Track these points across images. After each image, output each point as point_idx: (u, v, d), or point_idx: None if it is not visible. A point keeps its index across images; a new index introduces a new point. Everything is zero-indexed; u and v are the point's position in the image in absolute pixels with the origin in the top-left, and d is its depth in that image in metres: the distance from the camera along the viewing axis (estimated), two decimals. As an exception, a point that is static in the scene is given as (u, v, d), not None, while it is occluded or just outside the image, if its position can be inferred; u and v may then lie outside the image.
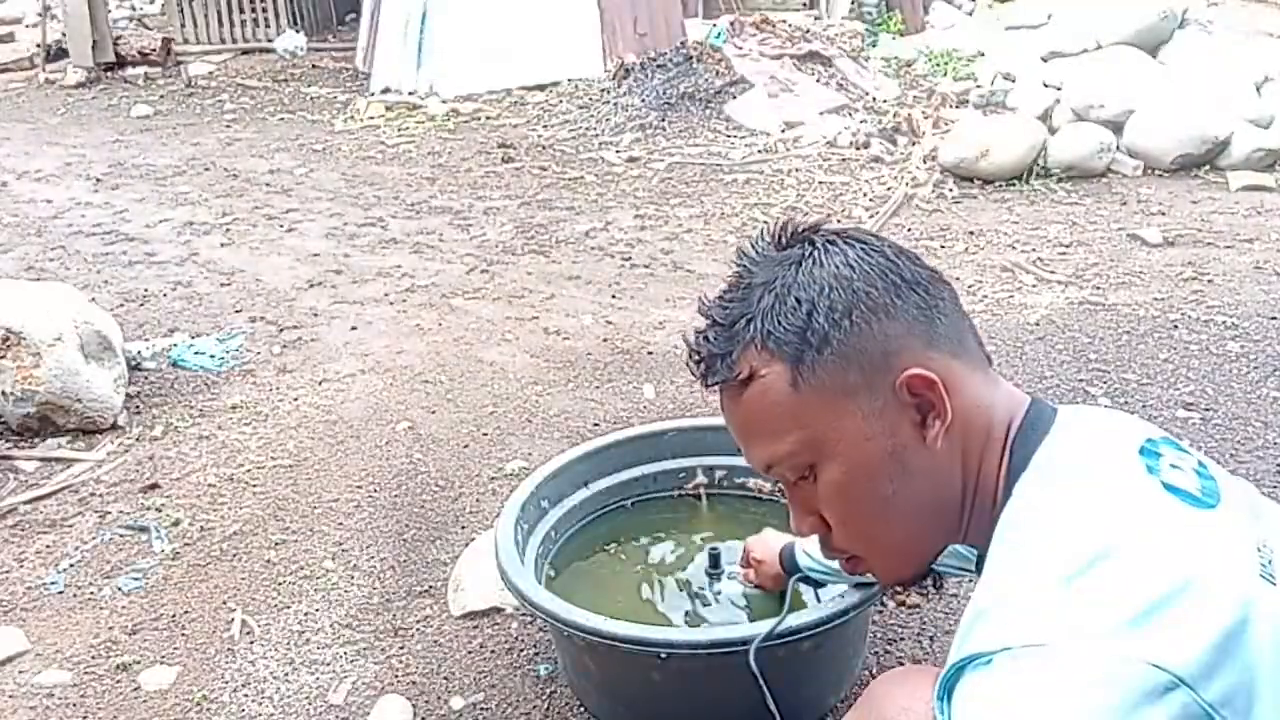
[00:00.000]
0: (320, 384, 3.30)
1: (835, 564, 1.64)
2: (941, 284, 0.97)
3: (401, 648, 2.10)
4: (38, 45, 9.00)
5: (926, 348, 0.92)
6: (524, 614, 2.10)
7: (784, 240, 0.98)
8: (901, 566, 1.02)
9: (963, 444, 0.94)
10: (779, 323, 0.92)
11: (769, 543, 1.87)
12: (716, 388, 0.97)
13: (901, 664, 1.96)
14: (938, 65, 7.24)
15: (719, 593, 2.00)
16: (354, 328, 3.73)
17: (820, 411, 0.92)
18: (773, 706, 1.59)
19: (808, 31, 7.18)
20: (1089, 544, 0.81)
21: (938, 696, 0.85)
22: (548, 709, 1.92)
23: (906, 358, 0.91)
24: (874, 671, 1.95)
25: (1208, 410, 2.84)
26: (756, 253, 0.98)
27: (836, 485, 0.94)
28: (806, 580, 1.80)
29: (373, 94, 7.30)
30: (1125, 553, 0.80)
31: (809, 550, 1.73)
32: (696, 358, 0.97)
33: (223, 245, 4.71)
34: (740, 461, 2.15)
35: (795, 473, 0.96)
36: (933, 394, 0.91)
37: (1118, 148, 5.12)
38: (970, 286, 3.80)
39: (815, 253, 0.95)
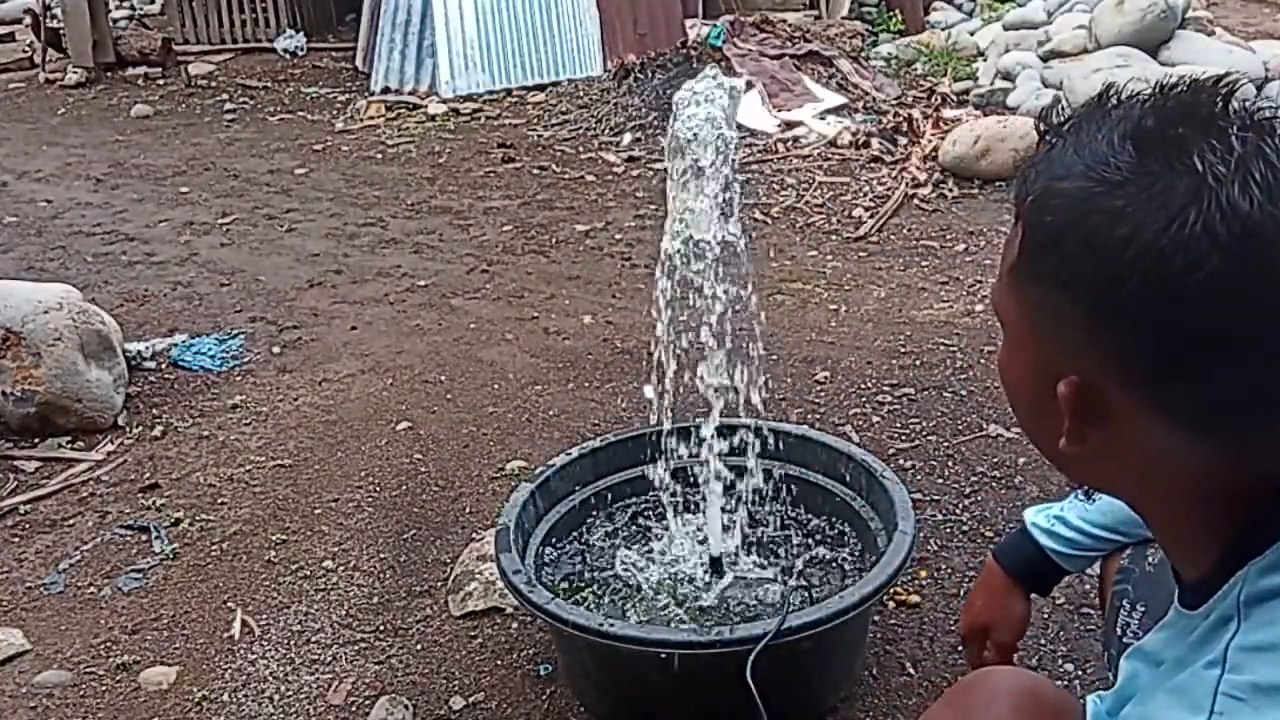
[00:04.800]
0: (320, 384, 3.30)
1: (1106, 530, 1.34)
2: None
3: (401, 648, 2.10)
4: (30, 45, 9.00)
5: None
6: (524, 614, 2.10)
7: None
8: None
9: None
10: None
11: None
12: None
13: (901, 665, 1.96)
14: (938, 65, 7.24)
15: (719, 593, 2.00)
16: (354, 328, 3.73)
17: None
18: (765, 718, 1.59)
19: (808, 32, 7.17)
20: None
21: None
22: (548, 709, 1.91)
23: None
24: (874, 671, 1.95)
25: (1208, 410, 2.84)
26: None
27: None
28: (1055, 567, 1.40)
29: (373, 94, 7.30)
30: None
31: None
32: None
33: (223, 245, 4.71)
34: (740, 461, 2.17)
35: None
36: None
37: (1118, 148, 5.11)
38: (970, 287, 3.80)
39: None
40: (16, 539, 2.57)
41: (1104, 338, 0.71)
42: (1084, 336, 0.72)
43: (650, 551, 2.14)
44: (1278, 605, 0.71)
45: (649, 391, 3.08)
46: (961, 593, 2.13)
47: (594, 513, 2.19)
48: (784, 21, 7.28)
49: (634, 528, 2.20)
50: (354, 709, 1.95)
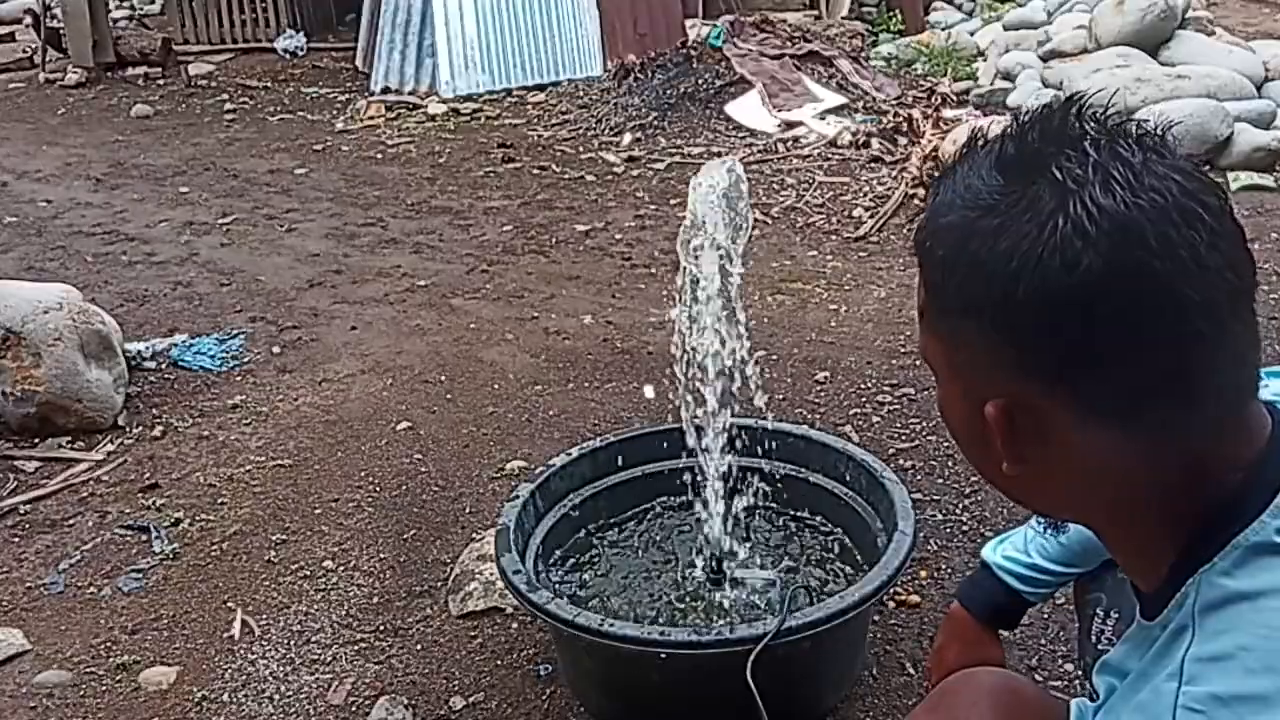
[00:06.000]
0: (320, 384, 3.30)
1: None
2: None
3: (401, 648, 2.11)
4: (30, 45, 8.99)
5: None
6: (524, 614, 2.10)
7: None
8: None
9: None
10: None
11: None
12: None
13: (901, 665, 1.97)
14: (938, 65, 7.24)
15: (719, 594, 2.00)
16: (354, 328, 3.73)
17: None
18: (765, 718, 1.59)
19: (808, 31, 7.17)
20: (1256, 681, 0.69)
21: None
22: (548, 709, 1.92)
23: None
24: (874, 671, 1.95)
25: (1208, 410, 2.84)
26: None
27: None
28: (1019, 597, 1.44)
29: (373, 94, 7.29)
30: None
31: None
32: None
33: (223, 245, 4.71)
34: (740, 462, 2.17)
35: None
36: None
37: (1118, 148, 5.11)
38: (970, 286, 3.80)
39: None
40: (16, 539, 2.57)
41: (1010, 354, 0.74)
42: (994, 357, 0.75)
43: (651, 552, 2.14)
44: (1228, 613, 0.71)
45: (649, 392, 3.09)
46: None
47: (595, 512, 2.19)
48: (784, 21, 7.28)
49: (634, 528, 2.20)
50: (354, 709, 1.95)
